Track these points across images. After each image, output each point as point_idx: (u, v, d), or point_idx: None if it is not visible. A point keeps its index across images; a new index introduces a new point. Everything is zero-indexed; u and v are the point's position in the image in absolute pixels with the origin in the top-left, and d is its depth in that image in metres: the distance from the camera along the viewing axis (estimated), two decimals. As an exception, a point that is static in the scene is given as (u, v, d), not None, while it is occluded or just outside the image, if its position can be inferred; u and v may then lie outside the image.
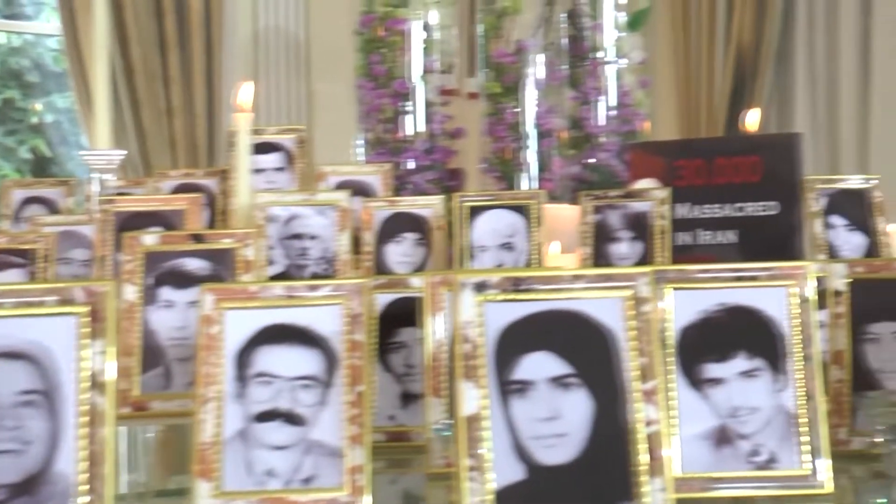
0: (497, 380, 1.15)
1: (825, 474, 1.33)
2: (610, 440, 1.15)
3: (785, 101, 4.77)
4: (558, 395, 1.16)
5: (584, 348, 1.16)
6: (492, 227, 2.34)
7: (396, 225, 2.38)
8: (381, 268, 2.34)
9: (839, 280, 1.61)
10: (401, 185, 2.84)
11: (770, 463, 1.34)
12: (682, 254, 2.37)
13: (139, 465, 1.69)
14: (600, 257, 2.33)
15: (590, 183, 2.87)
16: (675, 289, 1.36)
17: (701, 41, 4.78)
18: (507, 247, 2.33)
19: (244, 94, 2.16)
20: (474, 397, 1.13)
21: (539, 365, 1.16)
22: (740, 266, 1.38)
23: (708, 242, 2.41)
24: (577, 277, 1.17)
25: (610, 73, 2.97)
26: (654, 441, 1.14)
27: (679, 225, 2.40)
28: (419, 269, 2.36)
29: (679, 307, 1.36)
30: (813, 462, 1.34)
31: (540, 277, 1.16)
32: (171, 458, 1.71)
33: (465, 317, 1.15)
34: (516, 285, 1.16)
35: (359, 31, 2.91)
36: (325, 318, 1.33)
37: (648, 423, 1.14)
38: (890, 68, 4.53)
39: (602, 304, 1.17)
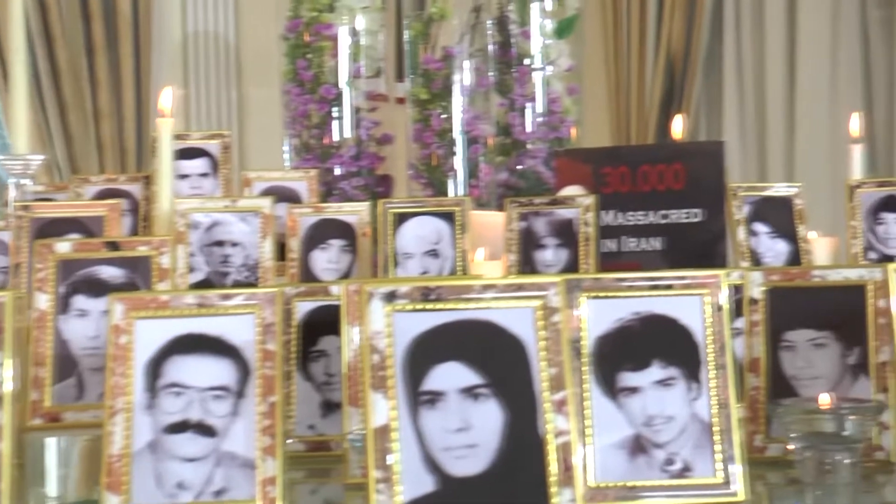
0: (407, 391, 1.14)
1: (739, 482, 1.34)
2: (521, 451, 1.14)
3: (714, 108, 4.82)
4: (469, 406, 1.15)
5: (495, 358, 1.16)
6: (417, 233, 2.33)
7: (322, 231, 2.37)
8: (307, 274, 2.33)
9: (755, 288, 1.62)
10: (328, 191, 2.82)
11: (684, 471, 1.34)
12: (608, 261, 2.38)
13: (62, 477, 1.66)
14: (526, 264, 2.33)
15: (518, 189, 2.88)
16: (591, 297, 1.36)
17: (631, 48, 4.82)
18: (432, 254, 2.32)
19: (165, 99, 2.14)
20: (383, 408, 1.12)
21: (449, 375, 1.15)
22: (655, 275, 1.39)
23: (633, 249, 2.42)
24: (487, 287, 1.16)
25: (538, 79, 2.97)
26: (565, 452, 1.13)
27: (605, 232, 2.40)
28: (346, 275, 2.35)
29: (594, 316, 1.36)
30: (727, 470, 1.34)
31: (450, 287, 1.15)
32: (97, 470, 1.68)
33: (374, 327, 1.13)
34: (426, 295, 1.15)
35: (285, 36, 2.88)
36: (237, 327, 1.31)
37: (559, 434, 1.14)
38: (815, 77, 4.60)
39: (513, 314, 1.16)
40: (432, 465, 1.14)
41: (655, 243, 2.41)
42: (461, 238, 2.31)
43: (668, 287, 1.37)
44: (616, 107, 4.88)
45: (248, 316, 1.32)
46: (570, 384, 1.14)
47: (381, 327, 1.14)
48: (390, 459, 1.11)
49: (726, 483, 1.34)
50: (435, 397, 1.15)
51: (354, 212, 2.40)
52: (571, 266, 2.31)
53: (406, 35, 2.83)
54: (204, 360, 1.30)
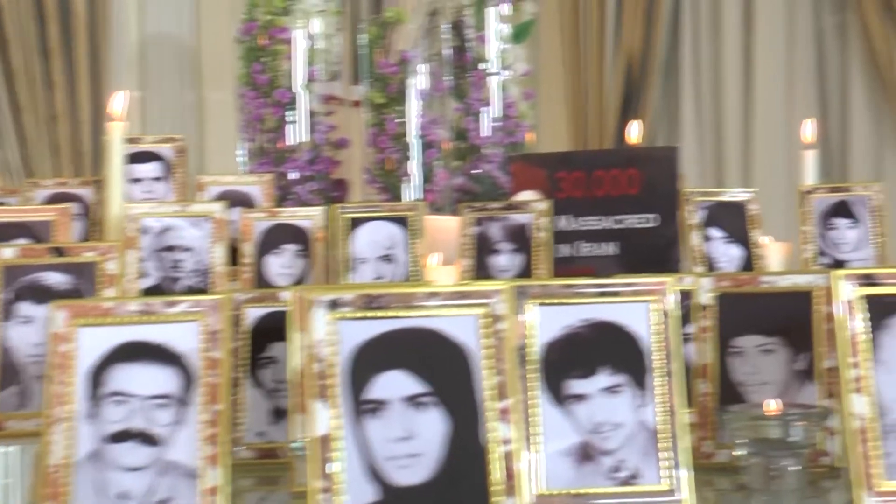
0: (350, 399, 1.13)
1: (685, 489, 1.34)
2: (465, 460, 1.13)
3: (672, 112, 4.83)
4: (413, 415, 1.14)
5: (440, 367, 1.15)
6: (371, 238, 2.32)
7: (277, 236, 2.36)
8: (261, 279, 2.32)
9: (705, 294, 1.62)
10: (284, 195, 2.81)
11: (632, 478, 1.34)
12: (563, 266, 2.38)
13: (6, 487, 1.64)
14: (481, 269, 2.33)
15: (474, 194, 2.87)
16: (538, 304, 1.35)
17: (590, 52, 4.82)
18: (386, 259, 2.31)
19: (117, 102, 2.12)
20: (326, 417, 1.11)
21: (393, 384, 1.14)
22: (603, 281, 1.38)
23: (588, 254, 2.42)
24: (431, 295, 1.16)
25: (494, 84, 2.97)
26: (508, 460, 1.13)
27: (560, 237, 2.40)
28: (300, 280, 2.34)
29: (542, 323, 1.35)
30: (674, 477, 1.34)
31: (394, 295, 1.14)
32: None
33: (316, 335, 1.12)
34: (370, 303, 1.14)
35: (239, 39, 2.87)
36: (182, 334, 1.30)
37: (504, 442, 1.13)
38: (770, 83, 4.62)
39: (457, 322, 1.15)
40: (375, 475, 1.13)
41: (609, 248, 2.41)
42: (415, 243, 2.31)
43: (616, 294, 1.37)
44: (575, 111, 4.88)
45: (193, 323, 1.30)
46: (514, 392, 1.13)
47: (323, 335, 1.13)
48: (332, 468, 1.10)
49: (673, 490, 1.33)
50: (378, 406, 1.14)
51: (308, 216, 2.39)
52: (526, 271, 2.31)
53: (362, 39, 2.82)
54: (147, 368, 1.28)
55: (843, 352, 1.32)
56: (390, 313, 1.15)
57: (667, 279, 1.38)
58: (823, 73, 4.59)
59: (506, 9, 3.00)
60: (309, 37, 2.85)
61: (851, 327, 1.32)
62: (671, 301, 1.37)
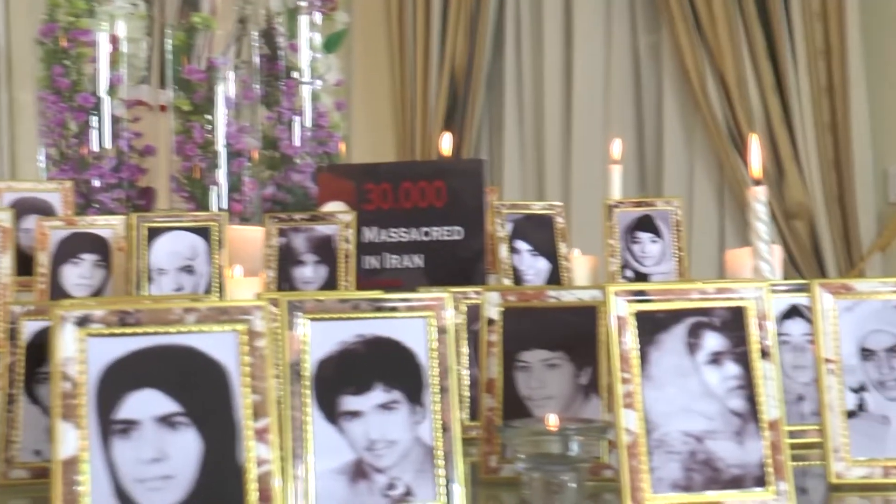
0: (99, 419, 1.09)
1: (461, 506, 1.33)
2: (220, 481, 1.10)
3: (496, 125, 4.88)
4: (165, 435, 1.10)
5: (195, 386, 1.11)
6: (172, 249, 2.27)
7: (74, 245, 2.28)
8: (57, 290, 2.24)
9: (492, 308, 1.63)
10: (87, 203, 2.72)
11: (406, 496, 1.32)
12: (369, 278, 2.37)
13: None
14: (285, 281, 2.30)
15: (285, 205, 2.83)
16: (313, 319, 1.33)
17: (416, 63, 4.84)
18: (187, 270, 2.26)
19: None
20: (73, 438, 1.06)
21: (145, 403, 1.10)
22: (380, 296, 1.37)
23: (395, 266, 2.41)
24: (188, 311, 1.12)
25: (306, 93, 2.94)
26: (265, 481, 1.09)
27: (367, 249, 2.39)
28: (98, 291, 2.27)
29: (316, 338, 1.33)
30: (449, 493, 1.33)
31: (149, 311, 1.10)
32: None
33: (64, 353, 1.07)
34: (123, 319, 1.10)
35: (39, 41, 2.76)
36: (-69, 352, 1.23)
37: (260, 463, 1.10)
38: (589, 98, 4.71)
39: (215, 339, 1.12)
40: (124, 498, 1.08)
41: (417, 260, 2.41)
42: (217, 254, 2.26)
43: (393, 309, 1.36)
44: (402, 123, 4.89)
45: (-56, 339, 1.24)
46: (273, 411, 1.11)
47: (72, 353, 1.08)
48: (78, 491, 1.05)
49: (448, 506, 1.33)
50: (128, 426, 1.10)
51: (109, 225, 2.32)
52: (330, 283, 2.29)
53: (168, 45, 2.75)
54: None
55: (616, 367, 1.33)
56: (144, 330, 1.11)
57: (443, 294, 1.37)
58: (639, 90, 4.71)
59: (317, 17, 2.97)
60: (114, 40, 2.76)
61: (623, 342, 1.34)
62: (448, 316, 1.36)
